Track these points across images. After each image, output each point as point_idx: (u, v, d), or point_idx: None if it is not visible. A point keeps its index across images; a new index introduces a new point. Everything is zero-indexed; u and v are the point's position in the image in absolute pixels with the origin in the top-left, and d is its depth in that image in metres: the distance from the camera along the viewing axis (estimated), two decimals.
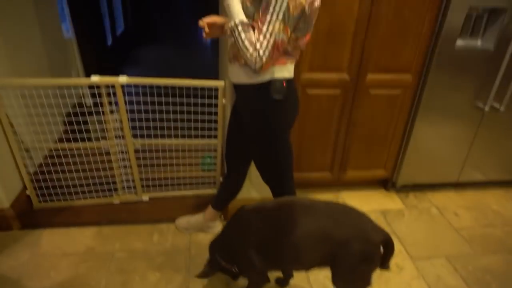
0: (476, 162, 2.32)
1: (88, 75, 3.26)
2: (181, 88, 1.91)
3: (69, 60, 3.11)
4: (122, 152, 2.11)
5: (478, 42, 1.95)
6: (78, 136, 1.95)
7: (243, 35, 1.16)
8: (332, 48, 1.84)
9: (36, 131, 1.95)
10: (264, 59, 1.16)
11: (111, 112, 1.97)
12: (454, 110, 2.10)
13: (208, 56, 5.21)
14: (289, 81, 1.30)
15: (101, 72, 3.40)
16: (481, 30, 1.93)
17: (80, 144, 2.03)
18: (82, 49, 3.16)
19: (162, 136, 2.06)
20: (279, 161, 1.46)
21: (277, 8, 1.10)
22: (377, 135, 2.18)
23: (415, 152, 2.22)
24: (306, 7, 1.14)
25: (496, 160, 2.35)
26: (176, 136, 2.07)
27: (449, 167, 2.33)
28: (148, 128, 2.05)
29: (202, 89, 1.90)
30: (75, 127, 1.93)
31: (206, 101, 1.92)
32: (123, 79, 1.86)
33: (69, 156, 2.00)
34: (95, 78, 1.87)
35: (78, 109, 2.13)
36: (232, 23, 1.18)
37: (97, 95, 1.90)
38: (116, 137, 2.03)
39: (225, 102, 1.97)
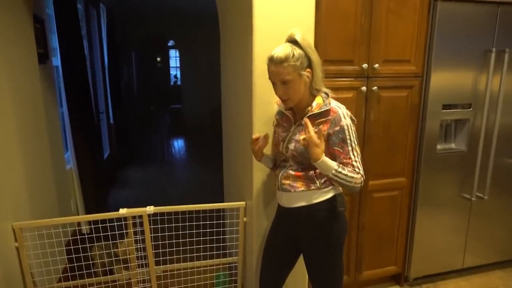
0: (475, 247, 2.52)
1: (86, 204, 3.33)
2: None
3: (68, 190, 3.16)
4: (144, 281, 2.10)
5: (453, 145, 2.33)
6: (84, 269, 1.95)
7: (344, 172, 1.39)
8: None
9: (42, 267, 1.93)
10: (364, 175, 1.43)
11: (135, 241, 2.02)
12: (447, 203, 2.36)
13: (188, 170, 5.50)
14: (343, 195, 1.53)
15: (99, 200, 3.48)
16: (452, 135, 2.32)
17: (86, 280, 2.00)
18: (82, 179, 3.25)
19: (178, 258, 2.10)
20: (338, 274, 1.57)
21: (352, 138, 1.42)
22: (384, 234, 2.35)
23: (421, 245, 2.39)
24: None
25: (491, 244, 2.56)
26: (191, 257, 2.11)
27: (453, 255, 2.50)
28: (165, 253, 2.09)
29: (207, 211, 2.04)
30: (74, 258, 1.93)
31: (215, 221, 2.04)
32: (150, 209, 1.97)
33: None
34: (123, 211, 1.95)
35: (77, 237, 2.15)
36: (334, 171, 1.38)
37: (91, 223, 1.96)
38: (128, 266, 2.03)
39: (246, 220, 2.10)
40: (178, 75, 9.05)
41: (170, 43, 8.87)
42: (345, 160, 1.42)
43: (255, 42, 1.74)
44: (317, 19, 1.86)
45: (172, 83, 9.22)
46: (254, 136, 1.57)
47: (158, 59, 8.97)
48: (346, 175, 1.39)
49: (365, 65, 2.01)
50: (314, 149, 1.35)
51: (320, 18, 1.88)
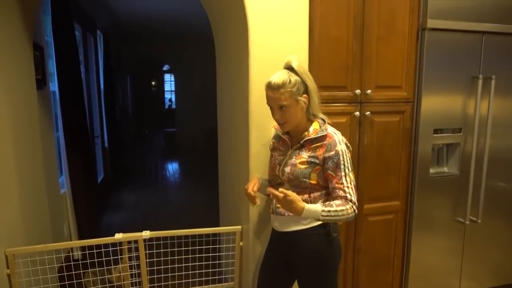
0: (470, 271, 2.52)
1: (80, 228, 3.28)
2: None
3: (62, 214, 3.13)
4: None
5: (445, 169, 2.37)
6: None
7: (333, 209, 1.39)
8: None
9: None
10: (356, 202, 1.42)
11: (130, 267, 1.99)
12: (441, 226, 2.38)
13: (182, 192, 5.49)
14: None
15: (93, 225, 3.43)
16: (444, 159, 2.37)
17: None
18: (76, 203, 3.22)
19: (173, 284, 2.07)
20: None
21: (346, 163, 1.43)
22: (380, 258, 2.34)
23: (417, 269, 2.38)
24: None
25: (486, 267, 2.56)
26: (186, 283, 2.08)
27: (449, 279, 2.49)
28: (160, 278, 2.06)
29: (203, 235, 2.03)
30: (67, 285, 1.90)
31: (211, 245, 2.03)
32: (146, 234, 1.95)
33: None
34: (118, 236, 1.94)
35: (69, 263, 2.11)
36: (322, 213, 1.38)
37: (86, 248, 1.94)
38: None
39: (242, 245, 2.09)
40: (173, 99, 9.15)
41: (165, 67, 9.01)
42: (337, 185, 1.44)
43: (251, 69, 1.79)
44: (311, 46, 1.93)
45: (167, 107, 9.31)
46: (246, 186, 1.59)
47: (153, 83, 9.09)
48: (336, 211, 1.39)
49: (358, 91, 2.07)
50: (291, 205, 1.36)
51: (313, 45, 1.95)
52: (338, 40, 2.00)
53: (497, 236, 2.54)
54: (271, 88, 1.45)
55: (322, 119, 1.52)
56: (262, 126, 1.84)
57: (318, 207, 1.40)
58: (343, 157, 1.44)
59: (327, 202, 1.43)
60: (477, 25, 2.17)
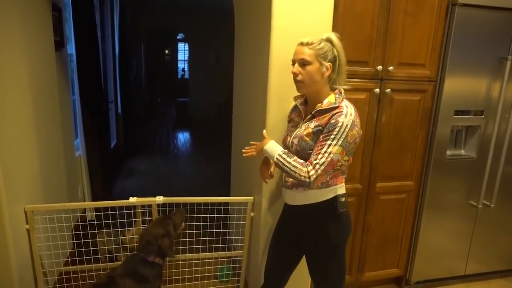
0: (478, 254, 2.53)
1: (93, 191, 3.36)
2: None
3: (76, 176, 3.19)
4: None
5: (462, 151, 2.33)
6: (89, 255, 1.99)
7: (288, 160, 1.41)
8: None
9: (51, 250, 1.97)
10: (319, 171, 1.36)
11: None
12: (453, 209, 2.37)
13: (193, 162, 5.55)
14: (345, 196, 1.52)
15: (106, 188, 3.51)
16: (462, 141, 2.33)
17: (93, 266, 2.03)
18: (90, 167, 3.28)
19: (183, 249, 2.12)
20: (339, 275, 1.58)
21: (338, 136, 1.36)
22: (388, 236, 2.36)
23: (424, 249, 2.40)
24: (358, 137, 1.43)
25: (495, 252, 2.57)
26: (196, 249, 2.13)
27: (456, 261, 2.51)
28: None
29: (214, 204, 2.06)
30: (82, 243, 1.99)
31: (222, 214, 2.06)
32: (159, 199, 1.99)
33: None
34: (133, 199, 1.98)
35: (85, 224, 2.17)
36: (275, 159, 1.44)
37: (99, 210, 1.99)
38: None
39: (253, 215, 2.11)
40: (186, 69, 9.07)
41: (180, 36, 8.88)
42: (316, 149, 1.39)
43: (273, 40, 1.75)
44: (334, 19, 1.86)
45: (179, 76, 9.24)
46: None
47: (167, 51, 8.99)
48: (289, 164, 1.40)
49: (379, 67, 2.01)
50: (259, 146, 1.55)
51: (337, 18, 1.88)
52: (363, 13, 1.93)
53: (510, 222, 2.53)
54: (300, 43, 1.47)
55: (340, 92, 1.49)
56: (281, 98, 1.82)
57: (278, 150, 1.47)
58: (340, 128, 1.36)
59: (291, 154, 1.45)
60: (511, 1, 2.07)
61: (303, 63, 1.44)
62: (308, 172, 1.36)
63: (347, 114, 1.39)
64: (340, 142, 1.36)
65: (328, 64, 1.44)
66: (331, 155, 1.36)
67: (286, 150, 1.47)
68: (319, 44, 1.43)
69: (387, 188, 2.24)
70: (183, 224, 1.84)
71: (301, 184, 1.43)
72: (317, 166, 1.36)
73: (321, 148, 1.37)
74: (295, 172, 1.38)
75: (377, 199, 2.25)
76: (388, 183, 2.24)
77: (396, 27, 1.99)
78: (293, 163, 1.40)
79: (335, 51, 1.45)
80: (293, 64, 1.49)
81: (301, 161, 1.40)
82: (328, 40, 1.45)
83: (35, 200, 1.96)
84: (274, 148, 1.49)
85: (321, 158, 1.36)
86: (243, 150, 1.64)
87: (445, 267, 2.51)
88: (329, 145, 1.36)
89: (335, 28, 1.88)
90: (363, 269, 2.38)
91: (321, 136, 1.40)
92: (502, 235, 2.53)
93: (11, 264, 1.73)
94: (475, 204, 2.37)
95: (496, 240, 2.54)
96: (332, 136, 1.37)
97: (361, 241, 2.31)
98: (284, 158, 1.42)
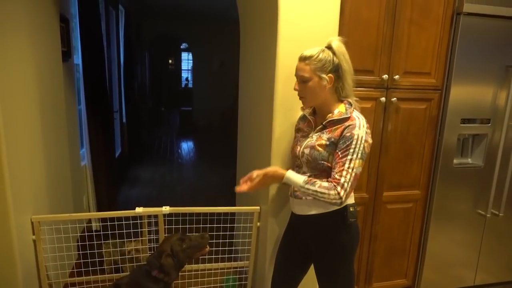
0: (487, 265, 2.49)
1: (98, 201, 3.36)
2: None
3: (82, 186, 3.20)
4: None
5: (469, 160, 2.32)
6: (95, 265, 1.97)
7: (313, 188, 1.39)
8: None
9: (57, 261, 1.96)
10: (348, 189, 1.36)
11: (149, 241, 2.03)
12: (461, 218, 2.34)
13: (197, 171, 5.57)
14: (355, 206, 1.51)
15: (111, 198, 3.50)
16: (469, 150, 2.31)
17: (99, 277, 2.02)
18: (95, 176, 3.28)
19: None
20: (348, 285, 1.57)
21: (357, 149, 1.36)
22: (396, 246, 2.33)
23: (432, 259, 2.37)
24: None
25: (504, 262, 2.53)
26: (202, 259, 2.11)
27: (464, 272, 2.47)
28: None
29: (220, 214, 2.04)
30: (88, 254, 1.97)
31: (228, 224, 2.05)
32: (166, 209, 1.98)
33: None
34: (139, 209, 1.97)
35: (90, 234, 2.16)
36: (300, 188, 1.42)
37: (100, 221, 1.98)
38: None
39: (259, 225, 2.10)
40: (190, 78, 9.13)
41: (183, 45, 8.95)
42: (337, 166, 1.38)
43: (279, 48, 1.76)
44: (341, 27, 1.87)
45: (183, 86, 9.30)
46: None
47: (170, 61, 9.06)
48: (315, 191, 1.39)
49: (385, 76, 2.01)
50: (270, 174, 1.47)
51: (343, 26, 1.89)
52: (368, 22, 1.94)
53: None
54: (299, 58, 1.47)
55: (350, 102, 1.49)
56: (288, 107, 1.82)
57: (300, 180, 1.42)
58: (357, 141, 1.37)
59: (313, 180, 1.41)
60: None
61: (303, 80, 1.45)
62: (338, 193, 1.36)
63: (360, 126, 1.40)
64: (359, 155, 1.37)
65: (328, 77, 1.43)
66: (355, 170, 1.37)
67: (305, 178, 1.43)
68: (318, 56, 1.42)
69: (394, 197, 2.22)
70: (207, 248, 1.74)
71: (327, 203, 1.42)
72: (345, 184, 1.36)
73: (343, 165, 1.37)
74: (324, 198, 1.38)
75: (384, 208, 2.23)
76: (395, 192, 2.22)
77: (401, 35, 2.00)
78: (319, 189, 1.38)
79: (336, 60, 1.43)
80: (296, 79, 1.51)
81: (325, 184, 1.38)
82: (329, 48, 1.45)
83: (41, 211, 1.96)
84: (294, 178, 1.45)
85: (346, 175, 1.36)
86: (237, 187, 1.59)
87: (454, 278, 2.48)
88: (350, 160, 1.37)
89: (341, 36, 1.87)
90: (370, 280, 2.35)
91: (339, 152, 1.40)
92: (511, 244, 2.50)
93: (17, 276, 1.72)
94: (483, 213, 2.34)
95: (505, 250, 2.50)
96: (352, 151, 1.37)
97: (368, 251, 2.28)
98: (308, 188, 1.40)
